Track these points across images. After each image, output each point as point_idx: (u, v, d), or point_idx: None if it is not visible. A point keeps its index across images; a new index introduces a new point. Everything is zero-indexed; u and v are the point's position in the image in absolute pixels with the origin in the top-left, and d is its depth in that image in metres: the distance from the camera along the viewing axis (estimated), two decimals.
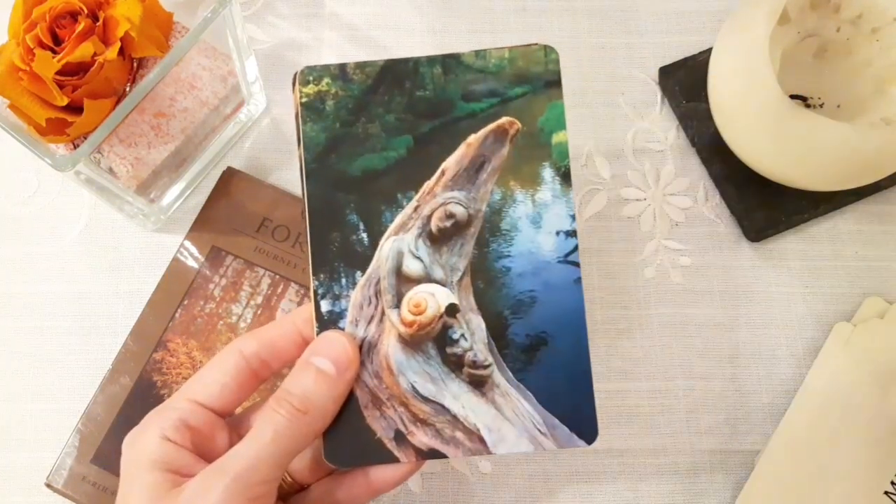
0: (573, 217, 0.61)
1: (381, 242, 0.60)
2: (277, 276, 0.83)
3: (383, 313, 0.60)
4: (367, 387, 0.59)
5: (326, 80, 0.61)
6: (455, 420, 0.59)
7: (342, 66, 0.62)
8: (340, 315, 0.60)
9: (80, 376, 0.82)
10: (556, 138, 0.61)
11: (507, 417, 0.59)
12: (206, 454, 0.58)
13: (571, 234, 0.60)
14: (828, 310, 0.85)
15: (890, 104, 0.81)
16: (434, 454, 0.59)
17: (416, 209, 0.60)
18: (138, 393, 0.79)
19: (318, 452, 0.60)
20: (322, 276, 0.60)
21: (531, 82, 0.61)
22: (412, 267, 0.60)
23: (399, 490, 0.80)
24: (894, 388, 0.80)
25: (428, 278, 0.60)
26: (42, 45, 0.72)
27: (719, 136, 0.83)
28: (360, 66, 0.62)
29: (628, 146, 0.90)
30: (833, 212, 0.87)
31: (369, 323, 0.60)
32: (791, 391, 0.82)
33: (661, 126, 0.90)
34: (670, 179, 0.89)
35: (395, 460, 0.59)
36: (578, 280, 0.60)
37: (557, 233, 0.60)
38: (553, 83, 0.61)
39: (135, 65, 0.79)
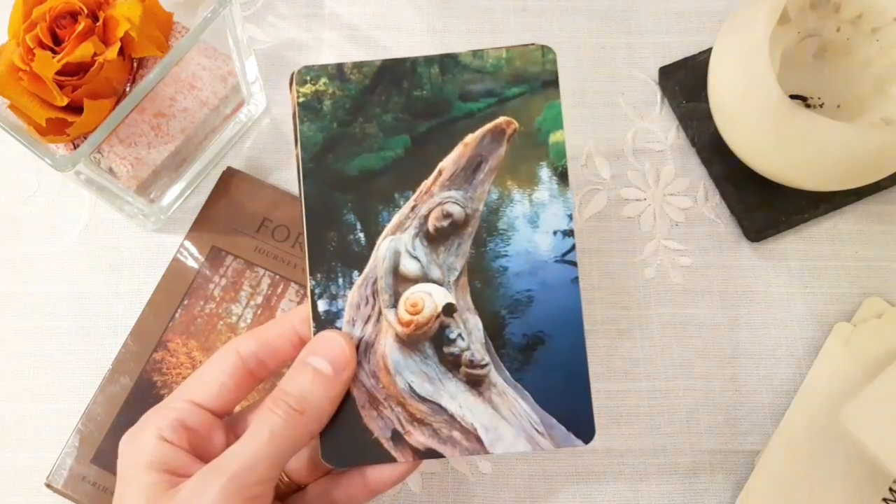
0: (570, 216, 0.61)
1: (378, 242, 0.60)
2: (277, 276, 0.83)
3: (380, 313, 0.60)
4: (364, 386, 0.60)
5: (324, 79, 0.61)
6: (452, 420, 0.59)
7: (339, 66, 0.62)
8: (337, 315, 0.60)
9: (80, 376, 0.82)
10: (554, 138, 0.61)
11: (505, 417, 0.59)
12: (203, 454, 0.58)
13: (569, 233, 0.60)
14: (828, 310, 0.85)
15: (890, 104, 0.81)
16: (431, 454, 0.59)
17: (413, 209, 0.60)
18: (138, 393, 0.79)
19: (316, 452, 0.60)
20: (319, 275, 0.60)
21: (528, 82, 0.61)
22: (409, 266, 0.60)
23: (399, 490, 0.80)
24: (894, 388, 0.80)
25: (425, 278, 0.60)
26: (42, 45, 0.72)
27: (719, 136, 0.83)
28: (358, 65, 0.62)
29: (628, 146, 0.90)
30: (833, 212, 0.87)
31: (366, 323, 0.60)
32: (791, 391, 0.82)
33: (661, 126, 0.90)
34: (670, 179, 0.88)
35: (393, 460, 0.60)
36: (576, 279, 0.60)
37: (555, 232, 0.60)
38: (550, 83, 0.62)
39: (135, 65, 0.79)
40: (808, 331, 0.85)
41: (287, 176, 0.88)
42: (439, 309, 0.60)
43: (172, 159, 0.82)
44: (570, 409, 0.60)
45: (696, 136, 0.88)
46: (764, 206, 0.85)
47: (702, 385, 0.83)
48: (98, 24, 0.73)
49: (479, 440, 0.59)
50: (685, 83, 0.90)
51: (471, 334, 0.60)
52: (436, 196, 0.60)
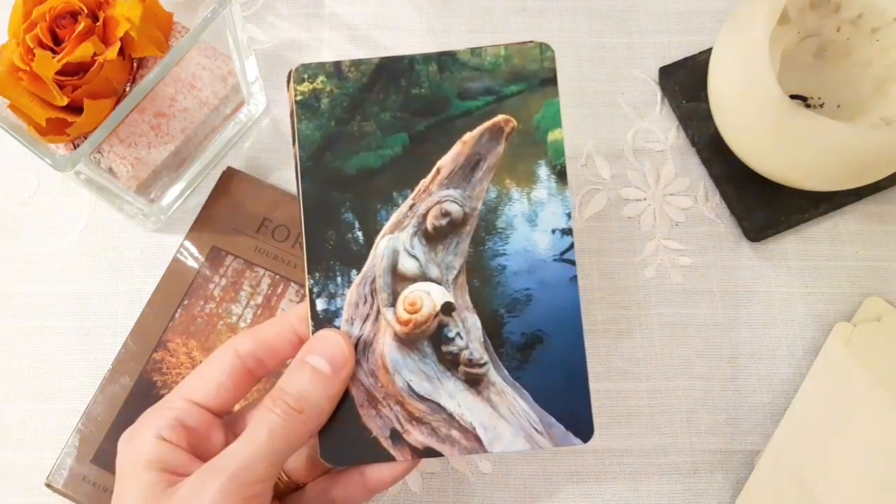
0: (569, 215, 0.61)
1: (376, 241, 0.60)
2: (277, 276, 0.83)
3: (379, 312, 0.60)
4: (362, 385, 0.60)
5: (321, 77, 0.61)
6: (451, 418, 0.59)
7: (337, 64, 0.62)
8: (336, 314, 0.60)
9: (80, 376, 0.82)
10: (552, 136, 0.61)
11: (503, 416, 0.59)
12: (202, 453, 0.58)
13: (567, 232, 0.60)
14: (828, 310, 0.85)
15: (890, 104, 0.81)
16: (430, 453, 0.59)
17: (411, 207, 0.60)
18: (138, 393, 0.79)
19: (314, 451, 0.60)
20: (317, 274, 0.60)
21: (527, 80, 0.61)
22: (408, 265, 0.60)
23: (399, 490, 0.80)
24: (894, 388, 0.80)
25: (423, 277, 0.60)
26: (42, 45, 0.72)
27: (719, 136, 0.83)
28: (356, 63, 0.62)
29: (628, 146, 0.90)
30: (833, 212, 0.87)
31: (365, 321, 0.60)
32: (791, 391, 0.82)
33: (661, 126, 0.90)
34: (670, 179, 0.88)
35: (391, 459, 0.60)
36: (574, 278, 0.60)
37: (553, 231, 0.60)
38: (549, 81, 0.61)
39: (135, 65, 0.79)
40: (808, 331, 0.85)
41: (287, 176, 0.88)
42: (438, 308, 0.60)
43: (172, 159, 0.82)
44: (569, 407, 0.60)
45: (696, 136, 0.88)
46: (764, 206, 0.85)
47: (702, 385, 0.83)
48: (98, 24, 0.73)
49: (477, 439, 0.59)
50: (685, 83, 0.90)
51: (469, 333, 0.60)
52: (434, 195, 0.60)
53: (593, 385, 0.61)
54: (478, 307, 0.60)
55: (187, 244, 0.84)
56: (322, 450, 0.59)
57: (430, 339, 0.60)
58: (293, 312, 0.62)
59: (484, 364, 0.60)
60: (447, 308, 0.60)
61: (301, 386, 0.57)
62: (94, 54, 0.72)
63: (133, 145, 0.78)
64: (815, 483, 0.78)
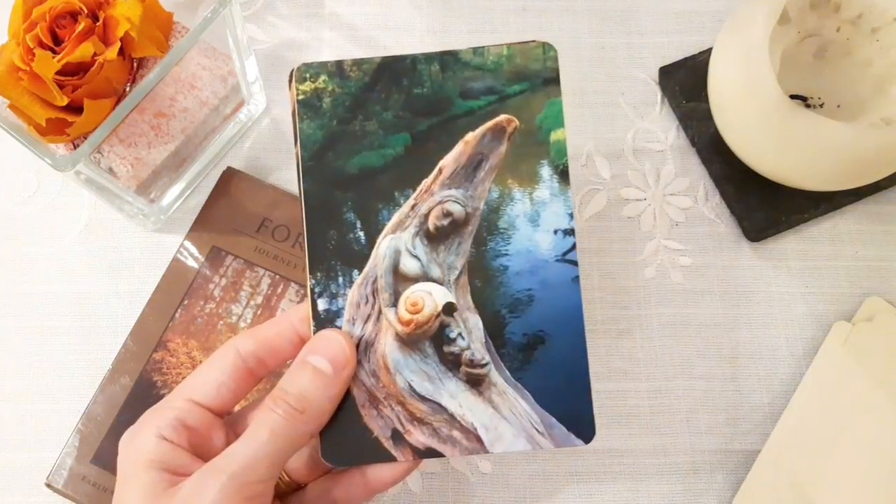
0: (571, 215, 0.61)
1: (378, 241, 0.60)
2: (277, 276, 0.83)
3: (380, 312, 0.60)
4: (364, 386, 0.60)
5: (323, 77, 0.61)
6: (452, 419, 0.59)
7: (339, 64, 0.62)
8: (337, 314, 0.60)
9: (80, 376, 0.82)
10: (555, 136, 0.61)
11: (505, 416, 0.59)
12: (203, 453, 0.58)
13: (569, 232, 0.60)
14: (828, 310, 0.85)
15: (890, 104, 0.81)
16: (431, 453, 0.59)
17: (413, 207, 0.60)
18: (138, 393, 0.79)
19: (315, 451, 0.60)
20: (319, 274, 0.60)
21: (529, 80, 0.61)
22: (409, 265, 0.60)
23: (399, 490, 0.80)
24: (893, 388, 0.80)
25: (425, 277, 0.60)
26: (42, 45, 0.72)
27: (719, 136, 0.83)
28: (358, 63, 0.62)
29: (628, 146, 0.90)
30: (833, 212, 0.87)
31: (366, 322, 0.60)
32: (791, 391, 0.82)
33: (661, 126, 0.90)
34: (670, 179, 0.88)
35: (392, 459, 0.60)
36: (576, 279, 0.60)
37: (555, 231, 0.60)
38: (551, 80, 0.61)
39: (135, 65, 0.79)
40: (808, 331, 0.85)
41: (287, 176, 0.88)
42: (439, 308, 0.60)
43: (172, 159, 0.82)
44: (571, 408, 0.60)
45: (696, 136, 0.88)
46: (764, 206, 0.85)
47: (702, 385, 0.83)
48: (98, 24, 0.73)
49: (478, 440, 0.59)
50: (685, 83, 0.90)
51: (471, 333, 0.60)
52: (436, 194, 0.60)
53: (593, 385, 0.61)
54: (479, 307, 0.60)
55: (187, 244, 0.84)
56: (323, 450, 0.59)
57: (432, 339, 0.60)
58: (294, 312, 0.62)
59: (485, 364, 0.60)
60: (449, 308, 0.60)
61: (302, 386, 0.57)
62: (94, 54, 0.72)
63: (133, 145, 0.78)
64: (813, 482, 0.78)
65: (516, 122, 0.61)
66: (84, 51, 0.71)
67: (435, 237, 0.60)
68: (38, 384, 0.82)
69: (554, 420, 0.60)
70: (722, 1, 0.95)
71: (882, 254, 0.87)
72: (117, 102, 0.75)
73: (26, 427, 0.81)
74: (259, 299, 0.82)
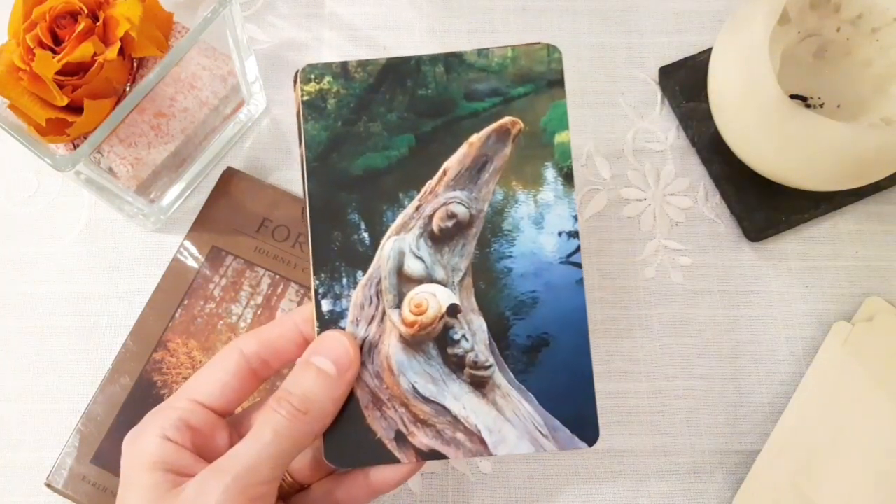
0: (575, 218, 0.60)
1: (382, 242, 0.60)
2: (277, 276, 0.83)
3: (384, 313, 0.60)
4: (367, 387, 0.59)
5: (328, 78, 0.61)
6: (456, 421, 0.59)
7: (344, 65, 0.62)
8: (341, 315, 0.60)
9: (80, 376, 0.82)
10: (559, 138, 0.61)
11: (508, 419, 0.59)
12: (207, 454, 0.58)
13: (574, 234, 0.60)
14: (828, 310, 0.85)
15: (890, 104, 0.81)
16: (434, 455, 0.59)
17: (417, 209, 0.60)
18: (138, 393, 0.79)
19: (319, 452, 0.60)
20: (323, 275, 0.60)
21: (534, 82, 0.61)
22: (413, 267, 0.60)
23: (399, 490, 0.80)
24: (893, 388, 0.80)
25: (429, 278, 0.60)
26: (42, 45, 0.72)
27: (719, 136, 0.83)
28: (362, 64, 0.62)
29: (628, 146, 0.90)
30: (833, 212, 0.87)
31: (370, 323, 0.60)
32: (791, 391, 0.82)
33: (661, 126, 0.91)
34: (670, 179, 0.89)
35: (396, 461, 0.59)
36: (580, 281, 0.60)
37: (560, 233, 0.60)
38: (556, 83, 0.61)
39: (135, 65, 0.78)
40: (808, 331, 0.85)
41: (287, 176, 0.88)
42: (443, 310, 0.60)
43: (172, 159, 0.81)
44: (575, 411, 0.60)
45: (696, 136, 0.88)
46: (764, 206, 0.85)
47: (702, 385, 0.83)
48: (98, 24, 0.73)
49: (482, 442, 0.59)
50: (685, 83, 0.90)
51: (475, 335, 0.60)
52: (440, 196, 0.60)
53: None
54: (483, 309, 0.60)
55: (187, 244, 0.84)
56: (326, 451, 0.59)
57: (436, 341, 0.60)
58: (298, 313, 0.62)
59: (489, 367, 0.60)
60: (453, 310, 0.60)
61: (306, 387, 0.57)
62: (94, 54, 0.72)
63: (133, 145, 0.78)
64: (813, 483, 0.78)
65: (521, 124, 0.61)
66: (84, 51, 0.71)
67: (439, 239, 0.60)
68: (38, 384, 0.82)
69: (558, 422, 0.59)
70: (722, 1, 0.95)
71: (882, 254, 0.87)
72: (117, 102, 0.75)
73: (26, 427, 0.81)
74: (259, 299, 0.82)
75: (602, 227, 0.87)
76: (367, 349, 0.60)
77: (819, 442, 0.79)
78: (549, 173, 0.60)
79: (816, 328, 0.85)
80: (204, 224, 0.84)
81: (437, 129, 0.61)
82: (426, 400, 0.59)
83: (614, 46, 0.94)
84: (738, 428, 0.82)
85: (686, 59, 0.91)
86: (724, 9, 0.95)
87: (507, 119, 0.60)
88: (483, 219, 0.60)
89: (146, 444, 0.57)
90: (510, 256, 0.60)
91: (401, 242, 0.60)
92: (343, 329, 0.60)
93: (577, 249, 0.60)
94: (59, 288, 0.85)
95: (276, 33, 0.93)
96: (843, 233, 0.88)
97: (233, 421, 0.62)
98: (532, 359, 0.60)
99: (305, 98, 0.61)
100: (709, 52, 0.85)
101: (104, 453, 0.78)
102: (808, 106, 0.87)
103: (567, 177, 0.61)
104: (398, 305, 0.60)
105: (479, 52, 0.62)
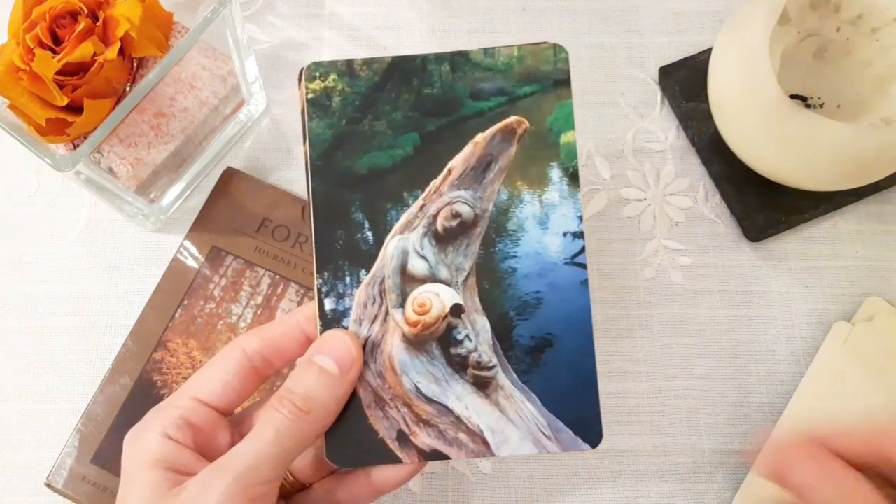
0: (580, 218, 0.60)
1: (386, 241, 0.60)
2: (277, 276, 0.83)
3: (387, 312, 0.60)
4: (370, 386, 0.59)
5: (333, 76, 0.61)
6: (458, 421, 0.59)
7: (349, 63, 0.61)
8: (344, 314, 0.60)
9: (80, 376, 0.82)
10: (565, 138, 0.61)
11: (511, 419, 0.59)
12: (208, 452, 0.58)
13: (578, 235, 0.60)
14: (828, 310, 0.85)
15: (890, 104, 0.81)
16: (437, 455, 0.59)
17: (421, 208, 0.60)
18: (138, 393, 0.79)
19: (320, 451, 0.60)
20: (326, 274, 0.60)
21: (540, 81, 0.61)
22: (417, 266, 0.60)
23: (399, 490, 0.79)
24: (892, 388, 0.80)
25: (433, 278, 0.60)
26: (42, 45, 0.72)
27: (719, 136, 0.83)
28: (368, 62, 0.61)
29: (628, 146, 0.90)
30: (833, 212, 0.87)
31: (373, 322, 0.60)
32: (791, 391, 0.82)
33: (661, 126, 0.91)
34: (670, 179, 0.89)
35: (398, 461, 0.59)
36: (585, 282, 0.60)
37: (564, 234, 0.60)
38: (562, 82, 0.61)
39: (135, 65, 0.78)
40: (808, 331, 0.85)
41: (287, 176, 0.88)
42: (447, 309, 0.60)
43: (172, 159, 0.81)
44: (578, 412, 0.60)
45: (696, 136, 0.88)
46: (764, 206, 0.85)
47: (702, 385, 0.83)
48: (98, 24, 0.73)
49: (485, 442, 0.59)
50: (685, 83, 0.90)
51: (478, 335, 0.60)
52: (445, 195, 0.60)
53: None
54: (487, 309, 0.60)
55: (187, 244, 0.84)
56: (328, 451, 0.59)
57: (439, 340, 0.60)
58: (301, 312, 0.61)
59: (493, 367, 0.59)
60: (456, 310, 0.60)
61: (308, 386, 0.57)
62: (94, 54, 0.72)
63: (133, 145, 0.78)
64: None
65: (526, 124, 0.60)
66: (84, 51, 0.71)
67: (443, 238, 0.60)
68: (38, 384, 0.82)
69: (561, 424, 0.59)
70: (722, 1, 0.95)
71: (882, 254, 0.87)
72: (117, 102, 0.75)
73: (26, 427, 0.81)
74: (259, 299, 0.82)
75: (602, 227, 0.87)
76: (369, 348, 0.60)
77: None
78: (555, 173, 0.60)
79: (816, 328, 0.85)
80: (204, 224, 0.84)
81: (442, 128, 0.60)
82: (429, 400, 0.59)
83: (614, 46, 0.94)
84: (738, 428, 0.82)
85: (686, 59, 0.91)
86: (724, 9, 0.95)
87: (512, 119, 0.60)
88: (487, 218, 0.60)
89: (147, 442, 0.57)
90: (514, 256, 0.60)
91: (405, 241, 0.60)
92: (346, 328, 0.60)
93: (582, 250, 0.60)
94: (59, 288, 0.85)
95: (276, 33, 0.93)
96: (843, 233, 0.88)
97: (234, 420, 0.62)
98: (535, 359, 0.60)
99: (310, 96, 0.61)
100: (709, 52, 0.85)
101: (104, 453, 0.78)
102: (808, 106, 0.87)
103: (573, 177, 0.61)
104: (401, 305, 0.60)
105: (486, 51, 0.61)
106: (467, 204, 0.60)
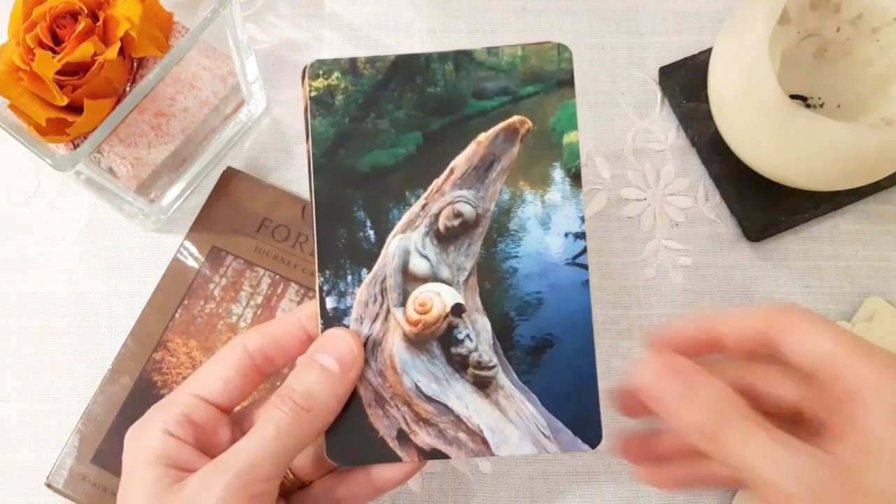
0: (582, 219, 0.60)
1: (387, 240, 0.60)
2: (277, 276, 0.83)
3: (388, 311, 0.60)
4: (370, 385, 0.59)
5: (336, 74, 0.61)
6: (458, 421, 0.59)
7: (352, 61, 0.61)
8: (345, 312, 0.60)
9: (80, 376, 0.82)
10: (568, 139, 0.60)
11: (511, 419, 0.59)
12: (209, 450, 0.58)
13: (580, 236, 0.60)
14: (828, 310, 0.85)
15: (890, 104, 0.81)
16: (436, 454, 0.59)
17: (423, 207, 0.60)
18: (138, 393, 0.79)
19: (321, 450, 0.60)
20: (328, 272, 0.60)
21: (543, 81, 0.61)
22: (419, 265, 0.60)
23: (399, 489, 0.80)
24: None
25: (434, 277, 0.60)
26: (42, 45, 0.72)
27: (719, 136, 0.83)
28: (371, 60, 0.61)
29: (628, 146, 0.90)
30: (833, 212, 0.87)
31: (374, 321, 0.60)
32: None
33: (661, 126, 0.91)
34: (670, 179, 0.89)
35: (398, 460, 0.59)
36: (586, 283, 0.60)
37: (566, 234, 0.60)
38: (565, 82, 0.61)
39: (135, 65, 0.79)
40: None
41: (287, 176, 0.88)
42: (448, 309, 0.60)
43: (172, 159, 0.81)
44: (578, 413, 0.60)
45: (696, 136, 0.88)
46: (764, 206, 0.85)
47: None
48: (98, 24, 0.73)
49: (484, 442, 0.59)
50: (685, 83, 0.90)
51: (479, 335, 0.60)
52: (447, 195, 0.60)
53: None
54: (488, 309, 0.60)
55: (187, 244, 0.84)
56: (328, 449, 0.59)
57: (440, 340, 0.60)
58: (302, 310, 0.61)
59: (493, 367, 0.59)
60: (457, 309, 0.60)
61: (309, 384, 0.57)
62: (94, 54, 0.72)
63: (133, 145, 0.78)
64: None
65: (529, 124, 0.60)
66: (84, 51, 0.71)
67: (445, 237, 0.60)
68: (38, 384, 0.82)
69: (560, 424, 0.59)
70: (722, 1, 0.95)
71: (882, 254, 0.87)
72: (117, 102, 0.75)
73: (26, 427, 0.81)
74: (259, 299, 0.82)
75: (602, 227, 0.87)
76: (370, 347, 0.60)
77: None
78: (557, 174, 0.60)
79: None
80: (204, 224, 0.84)
81: (445, 127, 0.60)
82: (429, 399, 0.59)
83: (614, 46, 0.94)
84: None
85: (686, 59, 0.91)
86: (724, 9, 0.95)
87: (515, 118, 0.60)
88: (489, 218, 0.60)
89: (148, 438, 0.57)
90: (516, 256, 0.60)
91: (406, 241, 0.60)
92: (347, 327, 0.60)
93: (584, 251, 0.60)
94: (59, 288, 0.85)
95: (276, 33, 0.93)
96: (843, 233, 0.88)
97: (235, 417, 0.62)
98: (536, 360, 0.60)
99: (313, 94, 0.61)
100: (709, 52, 0.85)
101: (104, 453, 0.78)
102: (808, 106, 0.87)
103: (575, 178, 0.60)
104: (402, 304, 0.60)
105: (489, 50, 0.61)
106: (469, 203, 0.60)
